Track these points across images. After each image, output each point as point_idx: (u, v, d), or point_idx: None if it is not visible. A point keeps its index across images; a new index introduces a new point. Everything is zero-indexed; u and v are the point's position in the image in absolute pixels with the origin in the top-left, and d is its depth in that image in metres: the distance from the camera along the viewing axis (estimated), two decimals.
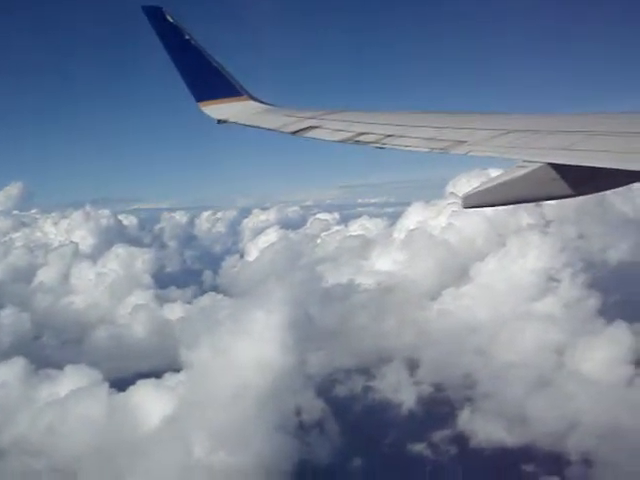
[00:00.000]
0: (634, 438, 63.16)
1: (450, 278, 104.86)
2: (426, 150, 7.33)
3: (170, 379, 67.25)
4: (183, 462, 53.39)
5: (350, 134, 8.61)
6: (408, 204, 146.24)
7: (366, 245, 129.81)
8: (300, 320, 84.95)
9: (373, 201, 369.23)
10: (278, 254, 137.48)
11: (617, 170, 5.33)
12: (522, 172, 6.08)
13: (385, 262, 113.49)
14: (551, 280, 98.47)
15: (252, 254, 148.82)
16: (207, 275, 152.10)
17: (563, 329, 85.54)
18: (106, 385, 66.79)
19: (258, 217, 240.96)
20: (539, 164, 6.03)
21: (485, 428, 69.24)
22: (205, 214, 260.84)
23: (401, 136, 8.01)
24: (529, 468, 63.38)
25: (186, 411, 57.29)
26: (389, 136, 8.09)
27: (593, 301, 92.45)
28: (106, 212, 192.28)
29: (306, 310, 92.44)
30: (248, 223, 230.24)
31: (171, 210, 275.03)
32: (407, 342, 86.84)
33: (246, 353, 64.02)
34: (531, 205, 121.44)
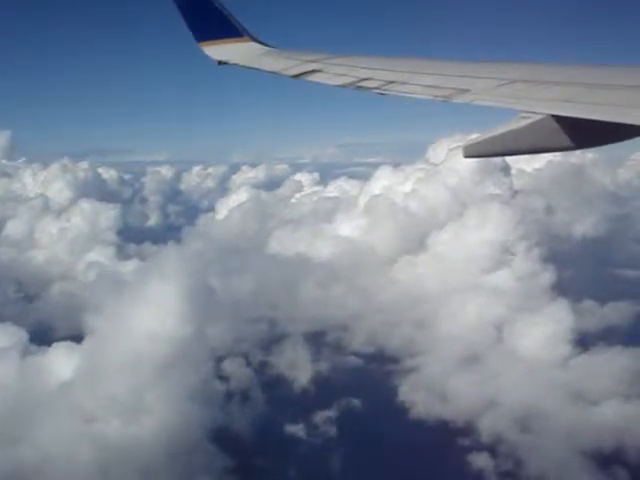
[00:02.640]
0: (560, 419, 62.62)
1: (409, 246, 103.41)
2: (429, 98, 7.27)
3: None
4: (75, 431, 52.78)
5: (352, 79, 8.51)
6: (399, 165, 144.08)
7: (336, 208, 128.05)
8: (245, 285, 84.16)
9: (369, 160, 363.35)
10: (246, 214, 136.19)
11: (619, 124, 5.35)
12: (524, 123, 6.00)
13: (347, 227, 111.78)
14: (507, 253, 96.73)
15: (222, 213, 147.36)
16: (187, 231, 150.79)
17: (510, 303, 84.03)
18: (24, 346, 65.81)
19: (246, 174, 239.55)
20: (541, 115, 5.96)
21: (415, 400, 68.42)
22: (196, 169, 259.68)
23: (404, 83, 7.91)
24: (463, 442, 62.52)
25: (84, 378, 56.48)
26: (391, 82, 7.98)
27: (547, 276, 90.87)
28: (84, 165, 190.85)
29: (256, 275, 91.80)
30: (236, 179, 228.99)
31: (162, 164, 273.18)
32: (350, 311, 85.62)
33: (157, 320, 62.65)
34: (499, 175, 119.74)
